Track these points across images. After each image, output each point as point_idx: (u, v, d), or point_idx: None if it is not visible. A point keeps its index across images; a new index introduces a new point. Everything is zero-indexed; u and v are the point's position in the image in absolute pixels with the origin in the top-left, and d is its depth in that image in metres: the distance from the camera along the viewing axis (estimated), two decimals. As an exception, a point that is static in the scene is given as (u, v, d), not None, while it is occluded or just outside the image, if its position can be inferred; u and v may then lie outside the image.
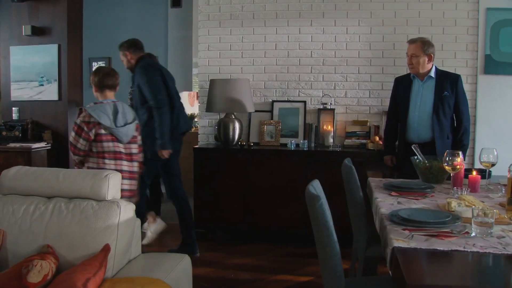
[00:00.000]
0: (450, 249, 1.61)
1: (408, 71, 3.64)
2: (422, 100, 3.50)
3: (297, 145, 4.40)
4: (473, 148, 4.24)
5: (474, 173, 2.65)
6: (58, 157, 5.05)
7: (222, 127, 4.39)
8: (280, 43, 4.66)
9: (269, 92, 4.72)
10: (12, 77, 5.30)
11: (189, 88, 6.77)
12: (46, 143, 5.03)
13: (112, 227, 2.01)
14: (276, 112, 4.65)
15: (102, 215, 2.03)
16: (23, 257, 1.94)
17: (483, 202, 2.32)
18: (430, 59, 3.43)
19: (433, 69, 3.48)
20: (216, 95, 4.37)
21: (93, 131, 3.00)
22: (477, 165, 3.99)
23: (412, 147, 2.96)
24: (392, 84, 4.22)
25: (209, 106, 4.46)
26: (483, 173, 2.76)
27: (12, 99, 5.30)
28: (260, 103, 4.70)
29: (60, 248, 2.00)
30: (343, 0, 4.50)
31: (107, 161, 3.04)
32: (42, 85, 5.21)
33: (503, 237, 1.75)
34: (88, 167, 3.05)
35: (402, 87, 3.62)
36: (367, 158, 4.10)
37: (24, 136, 5.05)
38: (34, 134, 5.11)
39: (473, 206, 1.93)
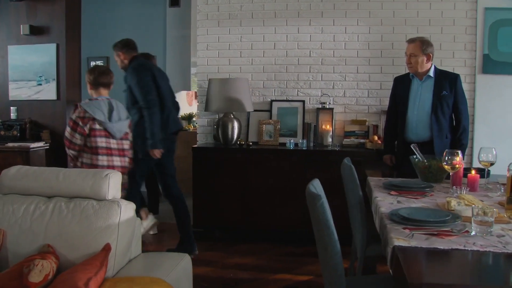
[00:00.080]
0: (450, 248, 1.62)
1: (408, 71, 3.64)
2: (420, 99, 3.51)
3: (296, 144, 4.41)
4: (472, 147, 4.25)
5: (473, 172, 2.66)
6: (57, 156, 5.03)
7: (221, 127, 4.40)
8: (279, 42, 4.66)
9: (267, 92, 4.72)
10: (10, 77, 5.28)
11: (187, 87, 6.77)
12: (44, 142, 5.01)
13: (112, 226, 2.01)
14: (275, 111, 4.66)
15: (103, 214, 2.02)
16: (23, 257, 1.94)
17: (482, 201, 2.33)
18: (429, 58, 3.44)
19: (432, 69, 3.49)
20: (215, 95, 4.38)
21: (88, 126, 3.12)
22: (475, 164, 4.01)
23: (411, 147, 2.97)
24: (390, 84, 4.23)
25: (207, 106, 4.46)
26: (482, 172, 2.77)
27: (10, 98, 5.29)
28: (259, 103, 4.71)
29: (61, 247, 2.00)
30: (342, -1, 4.52)
31: (100, 157, 3.16)
32: (40, 84, 5.20)
33: (503, 236, 1.76)
34: (82, 162, 3.17)
35: (401, 87, 3.62)
36: (366, 157, 4.10)
37: (22, 135, 5.04)
38: (33, 133, 5.10)
39: (473, 205, 1.94)
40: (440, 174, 2.84)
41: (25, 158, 4.75)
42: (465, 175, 2.69)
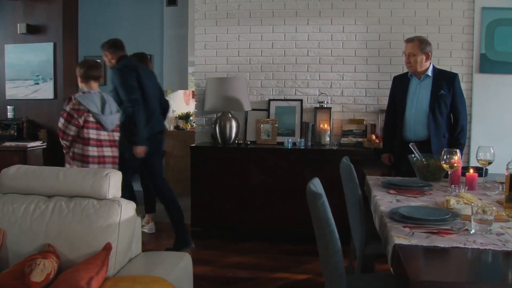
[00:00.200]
0: (451, 246, 1.63)
1: (406, 70, 3.65)
2: (418, 98, 3.51)
3: (294, 143, 4.41)
4: (469, 146, 4.27)
5: (471, 171, 2.68)
6: (54, 156, 5.02)
7: (219, 126, 4.40)
8: (277, 41, 4.67)
9: (265, 91, 4.73)
10: (7, 76, 5.27)
11: (184, 86, 6.76)
12: (41, 142, 5.01)
13: (113, 225, 2.01)
14: (272, 110, 4.66)
15: (103, 213, 2.02)
16: (23, 257, 1.94)
17: (480, 199, 2.34)
18: (428, 57, 3.44)
19: (431, 68, 3.50)
20: (213, 94, 4.38)
21: (83, 118, 3.26)
22: (473, 163, 4.03)
23: (410, 146, 2.98)
24: (388, 83, 4.25)
25: (205, 105, 4.46)
26: (480, 171, 2.79)
27: (7, 97, 5.28)
28: (256, 102, 4.71)
29: (61, 247, 1.99)
30: (340, -1, 4.53)
31: (90, 147, 3.32)
32: (38, 83, 5.19)
33: (502, 234, 1.77)
34: (74, 152, 3.33)
35: (400, 86, 3.63)
36: (364, 156, 4.12)
37: (19, 135, 5.03)
38: (30, 133, 5.09)
39: (472, 204, 1.95)
40: (439, 173, 2.85)
41: (23, 157, 4.74)
42: (463, 174, 2.70)
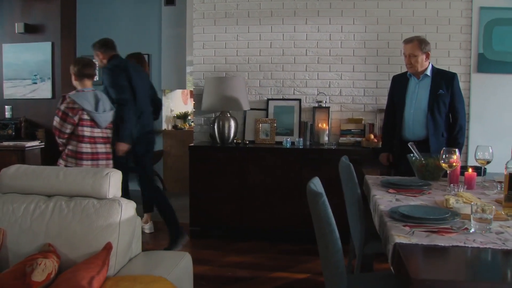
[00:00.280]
0: (451, 245, 1.64)
1: (404, 70, 3.65)
2: (417, 98, 3.52)
3: (293, 143, 4.42)
4: (467, 145, 4.29)
5: (470, 170, 2.69)
6: (52, 155, 5.01)
7: (218, 125, 4.39)
8: (275, 41, 4.67)
9: (264, 90, 4.73)
10: (4, 75, 5.26)
11: (182, 86, 6.75)
12: (39, 141, 5.00)
13: (113, 225, 2.01)
14: (271, 110, 4.67)
15: (104, 213, 2.02)
16: (23, 256, 1.93)
17: (479, 199, 2.35)
18: (427, 57, 3.45)
19: (430, 67, 3.50)
20: (211, 93, 4.37)
21: (78, 116, 3.36)
22: (470, 163, 4.05)
23: (409, 145, 2.99)
24: (386, 82, 4.26)
25: (204, 104, 4.46)
26: (479, 171, 2.80)
27: (5, 97, 5.27)
28: (255, 101, 4.71)
29: (61, 246, 1.99)
30: (338, -2, 4.54)
31: (84, 144, 3.42)
32: (36, 83, 5.18)
33: (502, 232, 1.78)
34: (69, 149, 3.43)
35: (399, 85, 3.64)
36: (362, 156, 4.12)
37: (17, 134, 5.03)
38: (28, 132, 5.09)
39: (472, 203, 1.95)
40: (437, 172, 2.86)
41: (21, 157, 4.74)
42: (462, 173, 2.71)
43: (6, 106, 5.21)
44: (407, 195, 2.46)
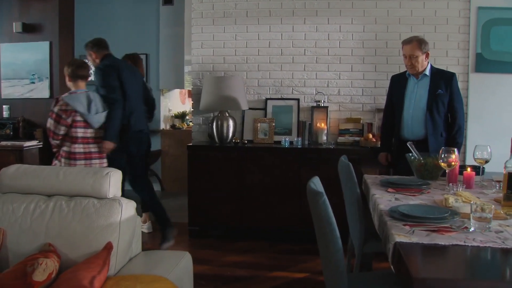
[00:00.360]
0: (451, 243, 1.64)
1: (402, 69, 3.66)
2: (416, 97, 3.53)
3: (291, 142, 4.42)
4: (465, 145, 4.30)
5: (469, 169, 2.70)
6: (50, 155, 5.00)
7: (216, 125, 4.39)
8: (274, 41, 4.68)
9: (262, 90, 4.73)
10: (2, 75, 5.25)
11: (180, 85, 6.75)
12: (37, 141, 4.99)
13: (114, 225, 2.01)
14: (269, 109, 4.67)
15: (104, 213, 2.02)
16: (23, 256, 1.93)
17: (478, 198, 2.36)
18: (427, 56, 3.46)
19: (429, 67, 3.51)
20: (210, 93, 4.37)
21: (71, 118, 3.45)
22: (468, 162, 4.06)
23: (408, 144, 3.00)
24: (385, 82, 4.28)
25: (202, 104, 4.46)
26: (477, 170, 2.81)
27: (3, 97, 5.26)
28: (253, 101, 4.72)
29: (62, 246, 1.99)
30: (336, -2, 4.54)
31: (77, 145, 3.50)
32: (33, 82, 5.17)
33: (501, 231, 1.79)
34: (63, 150, 3.51)
35: (398, 85, 3.65)
36: (361, 155, 4.13)
37: (15, 134, 5.01)
38: (26, 132, 5.07)
39: (471, 202, 1.96)
40: (436, 171, 2.87)
41: (19, 156, 4.73)
42: (460, 173, 2.72)
43: (4, 106, 5.20)
44: (406, 195, 2.47)
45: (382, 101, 4.38)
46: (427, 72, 3.50)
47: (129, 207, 2.10)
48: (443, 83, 3.45)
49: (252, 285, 3.32)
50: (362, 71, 4.57)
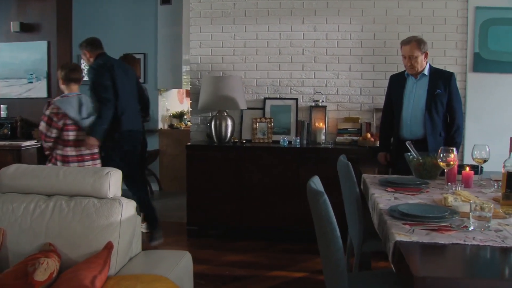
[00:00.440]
0: (451, 242, 1.65)
1: (401, 69, 3.67)
2: (415, 97, 3.53)
3: (290, 142, 4.43)
4: (463, 144, 4.30)
5: (467, 169, 2.71)
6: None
7: (215, 125, 4.39)
8: (272, 40, 4.68)
9: (261, 90, 4.74)
10: (0, 74, 5.23)
11: (178, 85, 6.74)
12: (35, 141, 4.98)
13: (114, 224, 2.01)
14: (268, 109, 4.67)
15: (104, 212, 2.02)
16: (23, 256, 1.93)
17: (477, 197, 2.37)
18: (426, 56, 3.47)
19: (427, 67, 3.52)
20: (208, 93, 4.37)
21: (62, 121, 3.51)
22: (466, 161, 4.07)
23: (406, 144, 3.01)
24: (383, 82, 4.30)
25: (201, 104, 4.46)
26: (476, 169, 2.82)
27: (1, 96, 5.24)
28: (252, 100, 4.72)
29: (62, 246, 1.98)
30: (335, -2, 4.55)
31: (69, 148, 3.58)
32: (31, 82, 5.16)
33: (501, 230, 1.80)
34: (57, 153, 3.59)
35: (397, 85, 3.65)
36: (359, 154, 4.14)
37: (13, 134, 5.00)
38: (24, 132, 5.07)
39: (471, 201, 1.97)
40: (434, 171, 2.88)
41: (17, 156, 4.72)
42: (459, 172, 2.73)
43: (1, 106, 5.19)
44: (405, 194, 2.48)
45: (380, 101, 4.40)
46: (426, 72, 3.50)
47: (129, 207, 2.10)
48: (441, 83, 3.46)
49: (251, 284, 3.32)
50: (360, 71, 4.58)
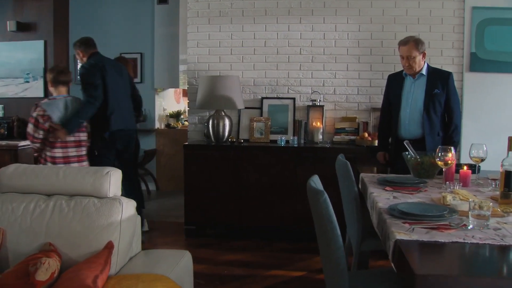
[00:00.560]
0: (451, 241, 1.66)
1: (398, 68, 3.68)
2: (413, 97, 3.54)
3: (287, 141, 4.43)
4: (460, 144, 4.33)
5: (465, 168, 2.72)
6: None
7: (212, 124, 4.39)
8: (269, 40, 4.69)
9: (258, 89, 4.74)
10: (-4, 74, 5.22)
11: (175, 85, 6.74)
12: (32, 141, 4.95)
13: (114, 224, 2.01)
14: (265, 109, 4.68)
15: (105, 212, 2.02)
16: (23, 256, 1.92)
17: (475, 196, 2.38)
18: (424, 56, 3.48)
19: (425, 67, 3.52)
20: (206, 92, 4.37)
21: (48, 123, 3.63)
22: (463, 160, 4.09)
23: (404, 143, 3.02)
24: (380, 81, 4.31)
25: (198, 103, 4.45)
26: (473, 168, 2.83)
27: (-3, 96, 5.22)
28: (249, 100, 4.73)
29: (62, 246, 1.98)
30: (332, -3, 4.56)
31: (56, 149, 3.70)
32: (28, 82, 5.15)
33: (499, 229, 1.81)
34: (46, 155, 3.72)
35: (395, 84, 3.66)
36: (356, 154, 4.15)
37: (9, 133, 4.98)
38: (20, 131, 5.04)
39: (470, 200, 1.99)
40: (432, 170, 2.89)
41: (13, 156, 4.71)
42: (456, 171, 2.75)
43: (-2, 105, 5.17)
44: (404, 193, 2.49)
45: (377, 100, 4.42)
46: (424, 71, 3.51)
47: (129, 206, 2.10)
48: (439, 83, 3.47)
49: (250, 283, 3.33)
50: (357, 70, 4.59)
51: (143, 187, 6.23)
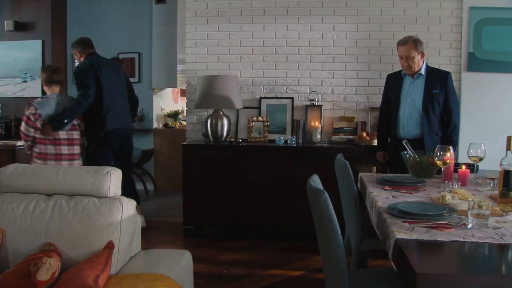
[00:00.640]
0: (451, 240, 1.67)
1: (396, 68, 3.69)
2: (412, 97, 3.55)
3: (285, 141, 4.44)
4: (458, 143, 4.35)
5: (464, 167, 2.73)
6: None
7: (210, 124, 4.39)
8: (268, 40, 4.69)
9: (256, 89, 4.75)
10: (-6, 74, 5.20)
11: (173, 84, 6.74)
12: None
13: (115, 224, 2.01)
14: (264, 108, 4.68)
15: (105, 212, 2.02)
16: (23, 256, 1.92)
17: (474, 195, 2.39)
18: (422, 56, 3.49)
19: (424, 67, 3.54)
20: (204, 92, 4.37)
21: (39, 121, 3.72)
22: (461, 160, 4.10)
23: (403, 143, 3.03)
24: (378, 81, 4.32)
25: (197, 103, 4.46)
26: (471, 168, 2.85)
27: (-5, 95, 5.21)
28: (248, 100, 4.73)
29: (62, 246, 1.98)
30: (330, -3, 4.57)
31: (48, 146, 3.78)
32: (26, 81, 5.14)
33: (499, 228, 1.82)
34: (36, 152, 3.82)
35: (394, 84, 3.67)
36: (355, 153, 4.16)
37: (7, 133, 4.97)
38: (18, 131, 5.02)
39: (469, 199, 2.00)
40: (431, 169, 2.90)
41: (11, 156, 4.70)
42: (455, 170, 2.76)
43: (-5, 105, 5.16)
44: (403, 192, 2.50)
45: (375, 100, 4.44)
46: (422, 71, 3.52)
47: (129, 206, 2.10)
48: (438, 83, 3.48)
49: (249, 283, 3.33)
50: (355, 70, 4.60)
51: (142, 186, 6.23)
